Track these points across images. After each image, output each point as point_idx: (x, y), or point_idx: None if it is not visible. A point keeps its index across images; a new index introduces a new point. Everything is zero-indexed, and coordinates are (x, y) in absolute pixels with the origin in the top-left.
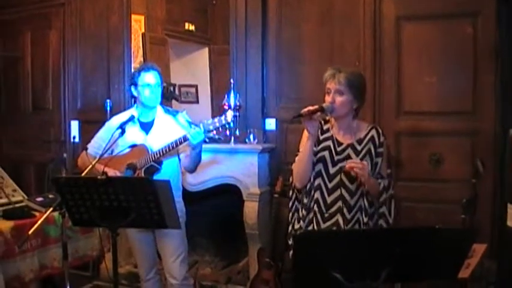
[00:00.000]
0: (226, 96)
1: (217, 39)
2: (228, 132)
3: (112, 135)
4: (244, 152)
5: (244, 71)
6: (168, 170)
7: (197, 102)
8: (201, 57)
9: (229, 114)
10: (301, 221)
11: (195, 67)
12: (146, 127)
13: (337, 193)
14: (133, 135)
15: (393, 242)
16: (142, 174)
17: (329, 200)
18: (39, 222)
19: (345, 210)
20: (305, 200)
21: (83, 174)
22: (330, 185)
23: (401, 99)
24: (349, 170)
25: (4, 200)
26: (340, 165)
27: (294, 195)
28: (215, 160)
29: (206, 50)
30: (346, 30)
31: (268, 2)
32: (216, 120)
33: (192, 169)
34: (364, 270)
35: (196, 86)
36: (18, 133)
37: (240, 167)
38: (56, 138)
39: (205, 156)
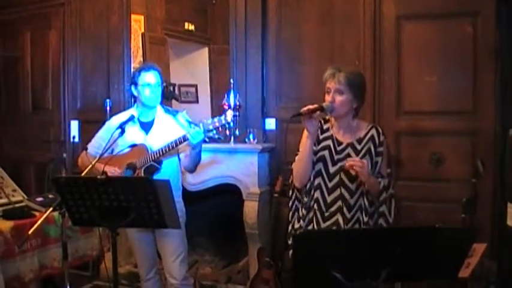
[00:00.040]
0: (226, 96)
1: (217, 39)
2: (227, 132)
3: (112, 135)
4: (244, 152)
5: (244, 70)
6: (168, 170)
7: (197, 102)
8: (201, 57)
9: (229, 114)
10: (301, 221)
11: (194, 67)
12: (146, 127)
13: (337, 192)
14: (133, 134)
15: (393, 241)
16: (142, 174)
17: (329, 199)
18: (39, 222)
19: (344, 209)
20: (305, 200)
21: (83, 174)
22: (330, 185)
23: (401, 99)
24: (348, 168)
25: (4, 200)
26: (340, 164)
27: (294, 195)
28: (215, 160)
29: (206, 49)
30: (346, 30)
31: (268, 1)
32: (216, 120)
33: (192, 169)
34: (364, 270)
35: (196, 86)
36: (18, 133)
37: (239, 166)
38: (56, 138)
39: (205, 156)
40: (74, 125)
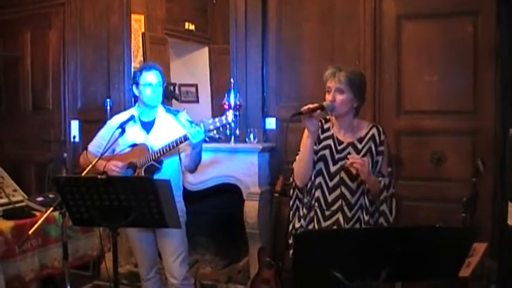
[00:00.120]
0: (226, 95)
1: (217, 38)
2: (228, 132)
3: (112, 135)
4: (245, 152)
5: (244, 70)
6: (169, 170)
7: (197, 101)
8: (201, 56)
9: (230, 114)
10: (302, 220)
11: (195, 66)
12: (147, 126)
13: (337, 191)
14: (134, 134)
15: (394, 241)
16: (143, 173)
17: (330, 198)
18: (39, 222)
19: (345, 208)
20: (306, 199)
21: (84, 173)
22: (330, 184)
23: (402, 98)
24: (349, 165)
25: (4, 200)
26: (340, 163)
27: (295, 194)
28: (215, 159)
29: (206, 49)
30: (346, 29)
31: (268, 1)
32: (216, 120)
33: (193, 168)
34: (364, 269)
35: (196, 86)
36: (19, 133)
37: (240, 166)
38: (56, 138)
39: (205, 156)
40: (74, 125)
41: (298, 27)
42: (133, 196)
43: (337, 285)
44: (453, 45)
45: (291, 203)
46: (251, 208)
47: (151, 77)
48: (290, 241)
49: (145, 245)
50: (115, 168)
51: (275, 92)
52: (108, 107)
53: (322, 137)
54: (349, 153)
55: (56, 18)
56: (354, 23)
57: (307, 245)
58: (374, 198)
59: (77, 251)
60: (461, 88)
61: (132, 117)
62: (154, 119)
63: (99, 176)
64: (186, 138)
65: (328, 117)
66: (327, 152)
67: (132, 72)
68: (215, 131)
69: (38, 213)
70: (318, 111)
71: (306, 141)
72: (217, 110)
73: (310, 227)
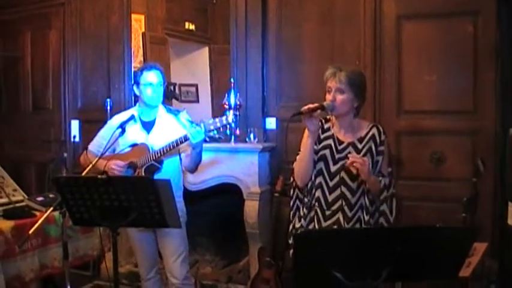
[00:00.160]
0: (226, 95)
1: (217, 38)
2: (228, 132)
3: (112, 134)
4: (245, 151)
5: (245, 70)
6: (169, 169)
7: (197, 101)
8: (201, 56)
9: (230, 114)
10: (302, 220)
11: (195, 66)
12: (148, 126)
13: (338, 191)
14: (135, 134)
15: (394, 241)
16: (143, 173)
17: (330, 198)
18: (39, 221)
19: (346, 208)
20: (306, 199)
21: (84, 173)
22: (331, 183)
23: (402, 98)
24: (350, 165)
25: (4, 200)
26: (341, 163)
27: (295, 194)
28: (216, 159)
29: (206, 49)
30: (346, 29)
31: (268, 1)
32: (217, 120)
33: (193, 168)
34: (364, 269)
35: (196, 85)
36: (19, 133)
37: (240, 166)
38: (56, 138)
39: (205, 156)
40: (75, 125)
41: (298, 28)
42: (133, 196)
43: (337, 285)
44: (453, 45)
45: (291, 202)
46: (251, 208)
47: (152, 77)
48: (290, 241)
49: (146, 245)
50: (115, 168)
51: (275, 92)
52: (108, 107)
53: (322, 136)
54: (349, 153)
55: (56, 18)
56: (354, 23)
57: (308, 244)
58: (374, 198)
59: (77, 251)
60: (461, 88)
61: (132, 117)
62: (154, 119)
63: (99, 176)
64: (186, 138)
65: (328, 117)
66: (327, 151)
67: (133, 72)
68: (215, 132)
69: (38, 213)
70: (318, 111)
71: (306, 141)
72: (218, 110)
73: (311, 226)
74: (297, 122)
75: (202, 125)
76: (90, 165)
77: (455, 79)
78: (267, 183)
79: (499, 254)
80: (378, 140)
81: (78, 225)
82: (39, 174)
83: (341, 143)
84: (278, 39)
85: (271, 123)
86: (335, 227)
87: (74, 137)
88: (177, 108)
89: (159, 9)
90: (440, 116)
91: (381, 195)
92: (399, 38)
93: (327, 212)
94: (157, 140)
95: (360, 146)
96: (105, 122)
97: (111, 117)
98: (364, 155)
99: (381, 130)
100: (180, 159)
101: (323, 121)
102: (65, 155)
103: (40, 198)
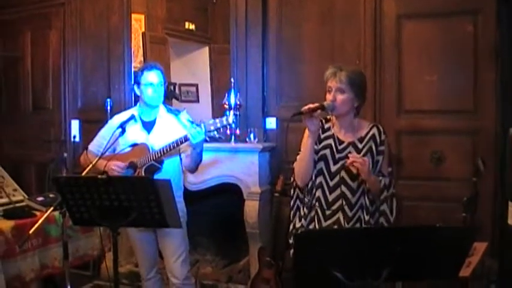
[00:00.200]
0: (226, 95)
1: (217, 38)
2: (228, 132)
3: (112, 134)
4: (245, 151)
5: (245, 70)
6: (169, 170)
7: (197, 101)
8: (202, 56)
9: (231, 115)
10: (303, 219)
11: (195, 66)
12: (148, 126)
13: (338, 191)
14: (135, 134)
15: (394, 240)
16: (143, 173)
17: (330, 198)
18: (39, 221)
19: (346, 208)
20: (306, 199)
21: (84, 173)
22: (331, 183)
23: (402, 98)
24: (350, 164)
25: (5, 200)
26: (341, 163)
27: (296, 194)
28: (216, 159)
29: (206, 49)
30: (346, 29)
31: (268, 1)
32: (217, 120)
33: (193, 169)
34: (364, 269)
35: (196, 85)
36: (19, 133)
37: (240, 166)
38: (57, 137)
39: (206, 156)
40: (75, 125)
41: (299, 27)
42: (133, 196)
43: (337, 285)
44: (453, 44)
45: (292, 202)
46: (251, 208)
47: (152, 77)
48: (290, 241)
49: (146, 244)
50: (115, 167)
51: (275, 91)
52: (109, 107)
53: (322, 136)
54: (349, 152)
55: (56, 18)
56: (354, 22)
57: (308, 244)
58: (374, 197)
59: (77, 251)
60: (461, 88)
61: (132, 117)
62: (155, 119)
63: (99, 176)
64: (186, 138)
65: (328, 116)
66: (327, 151)
67: (134, 72)
68: (215, 132)
69: (38, 213)
70: (319, 111)
71: (307, 141)
72: (218, 110)
73: (311, 226)
74: (297, 121)
75: (202, 125)
76: (90, 165)
77: (456, 79)
78: (267, 183)
79: (499, 254)
80: (378, 140)
81: (78, 225)
82: (39, 174)
83: (341, 142)
84: (278, 38)
85: (271, 123)
86: (335, 226)
87: (74, 137)
88: (178, 108)
89: (159, 9)
90: (440, 115)
91: (381, 195)
92: (399, 38)
93: (327, 212)
94: (157, 140)
95: (360, 146)
96: (105, 122)
97: (111, 117)
98: (365, 155)
99: (381, 130)
100: (181, 159)
101: (323, 121)
102: (65, 155)
103: (40, 198)
